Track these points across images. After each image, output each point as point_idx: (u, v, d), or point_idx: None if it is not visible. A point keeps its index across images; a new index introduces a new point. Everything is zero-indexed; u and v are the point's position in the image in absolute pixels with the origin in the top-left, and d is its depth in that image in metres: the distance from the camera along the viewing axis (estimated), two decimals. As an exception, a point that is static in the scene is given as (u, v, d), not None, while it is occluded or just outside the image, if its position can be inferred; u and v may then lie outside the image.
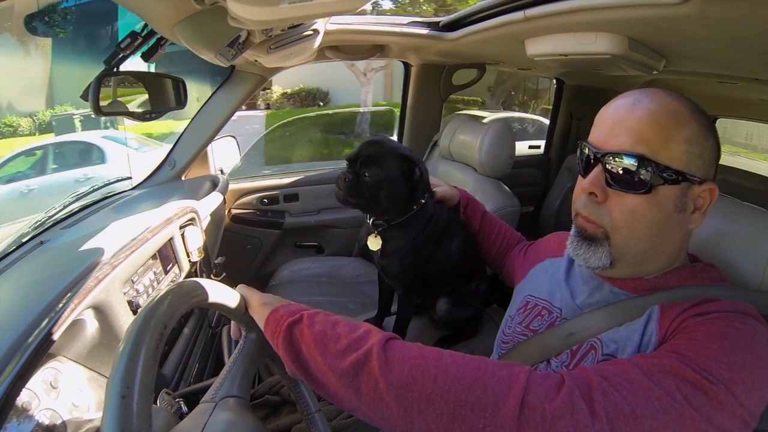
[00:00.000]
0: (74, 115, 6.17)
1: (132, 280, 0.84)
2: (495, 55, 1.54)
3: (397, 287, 1.14)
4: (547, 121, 2.40)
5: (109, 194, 1.26)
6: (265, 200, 1.79)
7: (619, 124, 0.54)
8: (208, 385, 0.58)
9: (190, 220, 1.12)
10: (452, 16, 1.34)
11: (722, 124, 2.39)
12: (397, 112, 1.95)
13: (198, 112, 1.45)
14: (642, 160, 0.52)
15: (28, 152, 5.05)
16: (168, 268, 1.01)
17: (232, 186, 1.66)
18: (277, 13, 0.55)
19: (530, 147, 2.32)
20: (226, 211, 1.70)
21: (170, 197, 1.18)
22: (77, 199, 1.16)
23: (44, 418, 0.61)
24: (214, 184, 1.44)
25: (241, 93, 1.45)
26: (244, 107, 1.62)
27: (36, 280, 0.75)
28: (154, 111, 1.03)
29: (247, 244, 1.81)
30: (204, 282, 0.50)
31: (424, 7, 7.60)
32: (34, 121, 6.99)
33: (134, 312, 0.80)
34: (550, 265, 0.75)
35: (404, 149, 1.03)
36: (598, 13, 0.71)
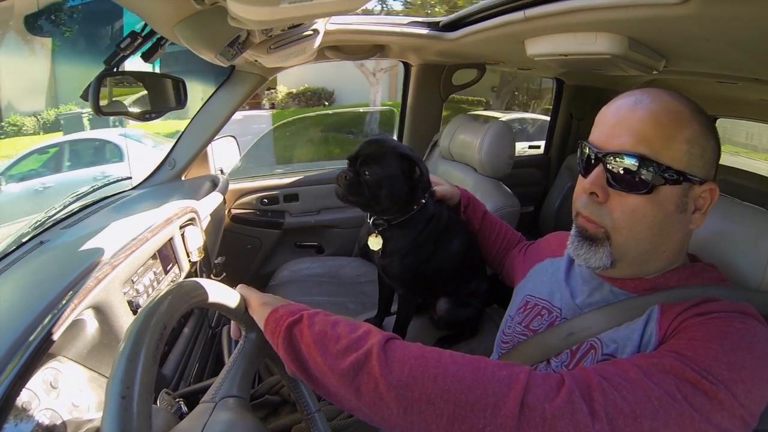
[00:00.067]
0: (82, 113, 6.08)
1: (132, 280, 0.84)
2: (495, 55, 1.54)
3: (398, 287, 1.14)
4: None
5: (109, 194, 1.26)
6: (265, 200, 1.79)
7: (620, 124, 0.54)
8: (208, 385, 0.58)
9: (190, 220, 1.12)
10: (452, 16, 1.33)
11: (722, 124, 2.39)
12: (398, 111, 1.95)
13: (198, 112, 1.45)
14: (643, 160, 0.52)
15: (41, 150, 4.94)
16: (168, 268, 1.01)
17: (232, 186, 1.66)
18: (277, 13, 0.55)
19: (530, 147, 2.32)
20: (226, 211, 1.70)
21: (170, 197, 1.18)
22: (77, 199, 1.16)
23: (44, 418, 0.61)
24: (214, 184, 1.44)
25: (241, 93, 1.45)
26: (247, 107, 1.63)
27: (36, 280, 0.75)
28: (154, 111, 1.03)
29: (247, 244, 1.80)
30: (204, 282, 0.50)
31: (436, 9, 7.50)
32: (38, 120, 6.96)
33: (134, 312, 0.80)
34: (550, 265, 0.75)
35: (405, 148, 1.03)
36: (598, 13, 0.71)
